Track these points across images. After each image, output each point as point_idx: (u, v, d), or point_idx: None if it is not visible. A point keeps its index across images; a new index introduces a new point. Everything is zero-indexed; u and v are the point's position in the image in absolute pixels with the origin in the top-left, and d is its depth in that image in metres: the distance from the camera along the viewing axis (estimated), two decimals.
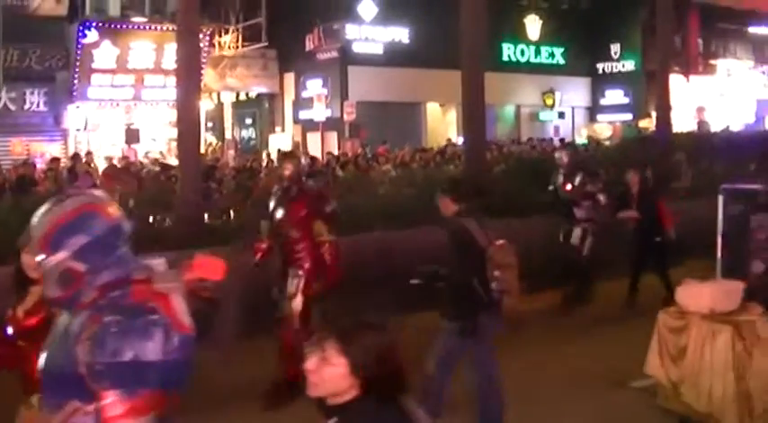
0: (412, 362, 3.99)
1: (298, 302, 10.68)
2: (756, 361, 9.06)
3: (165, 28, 33.97)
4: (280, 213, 11.16)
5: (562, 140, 36.55)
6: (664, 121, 24.74)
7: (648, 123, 41.14)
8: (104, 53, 34.30)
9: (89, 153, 29.98)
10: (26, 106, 34.11)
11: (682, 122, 39.89)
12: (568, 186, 16.01)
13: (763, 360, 9.07)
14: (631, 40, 48.19)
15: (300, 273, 10.80)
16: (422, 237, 15.75)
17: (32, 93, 34.23)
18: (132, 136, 34.46)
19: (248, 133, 46.15)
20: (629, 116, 47.67)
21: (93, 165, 27.27)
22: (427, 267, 9.47)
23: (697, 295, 9.66)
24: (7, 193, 20.72)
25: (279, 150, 31.83)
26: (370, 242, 15.48)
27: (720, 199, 10.38)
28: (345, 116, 37.32)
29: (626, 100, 48.65)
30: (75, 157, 28.38)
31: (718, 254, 10.35)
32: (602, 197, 15.77)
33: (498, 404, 9.04)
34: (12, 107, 33.53)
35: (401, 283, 13.88)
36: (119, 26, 34.77)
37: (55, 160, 27.47)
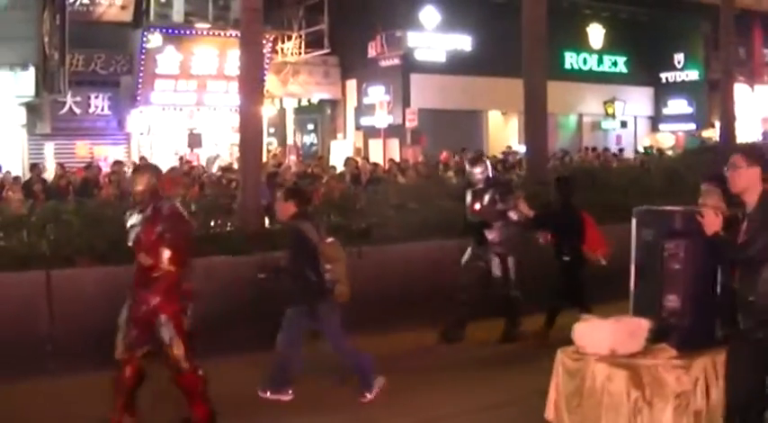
0: None
1: (178, 346, 9.48)
2: (656, 413, 8.11)
3: (228, 34, 34.18)
4: (133, 236, 9.84)
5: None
6: (727, 131, 24.53)
7: (712, 133, 40.77)
8: (168, 59, 34.56)
9: (142, 158, 30.17)
10: (91, 110, 34.44)
11: (746, 133, 39.55)
12: (477, 206, 14.25)
13: (663, 413, 8.10)
14: (695, 50, 47.79)
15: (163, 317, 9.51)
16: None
17: (97, 97, 34.57)
18: (195, 140, 34.65)
19: (310, 139, 46.30)
20: (692, 126, 47.28)
21: None
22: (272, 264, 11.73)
23: (596, 334, 8.66)
24: (71, 196, 20.95)
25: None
26: (424, 251, 15.49)
27: (633, 223, 9.20)
28: (407, 123, 37.33)
29: (689, 110, 48.22)
30: (142, 160, 28.60)
31: (631, 286, 9.12)
32: (513, 215, 14.06)
33: (358, 361, 11.06)
34: (77, 111, 33.86)
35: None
36: (182, 32, 35.02)
37: (118, 163, 27.73)
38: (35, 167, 26.95)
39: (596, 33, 46.96)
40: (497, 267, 14.10)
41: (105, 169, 28.09)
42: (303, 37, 38.46)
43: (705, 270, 8.49)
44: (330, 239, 11.34)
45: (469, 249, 14.29)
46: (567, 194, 14.46)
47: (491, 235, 14.05)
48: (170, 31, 34.56)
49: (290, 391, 11.01)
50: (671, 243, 8.62)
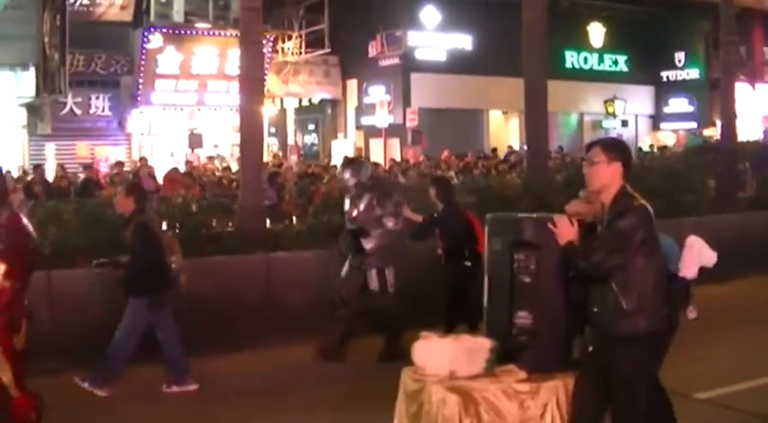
0: None
1: (3, 371, 8.15)
2: None
3: (228, 34, 34.19)
4: None
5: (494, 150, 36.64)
6: (728, 129, 24.45)
7: (713, 132, 40.74)
8: (168, 59, 34.57)
9: (142, 158, 30.17)
10: (91, 111, 34.49)
11: (747, 131, 39.53)
12: (354, 212, 12.79)
13: None
14: (696, 48, 47.77)
15: None
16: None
17: (97, 97, 34.62)
18: (195, 141, 34.65)
19: (311, 139, 46.35)
20: (693, 125, 47.27)
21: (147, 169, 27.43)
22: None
23: (435, 353, 7.89)
24: (72, 196, 20.96)
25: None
26: (426, 249, 15.47)
27: (486, 231, 8.29)
28: (408, 123, 37.35)
29: (690, 108, 48.21)
30: (142, 160, 28.64)
31: (485, 301, 8.20)
32: (390, 223, 12.65)
33: (181, 359, 11.31)
34: (77, 111, 33.89)
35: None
36: (183, 32, 35.05)
37: (119, 164, 27.75)
38: (37, 168, 27.00)
39: (597, 32, 46.96)
40: (374, 280, 12.69)
41: (105, 170, 28.14)
42: (303, 37, 38.50)
43: (559, 284, 7.68)
44: (169, 233, 12.07)
45: (348, 260, 12.89)
46: (448, 196, 13.42)
47: (368, 244, 12.64)
48: (170, 30, 34.58)
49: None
50: (521, 254, 7.90)
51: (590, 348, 7.13)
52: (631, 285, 6.75)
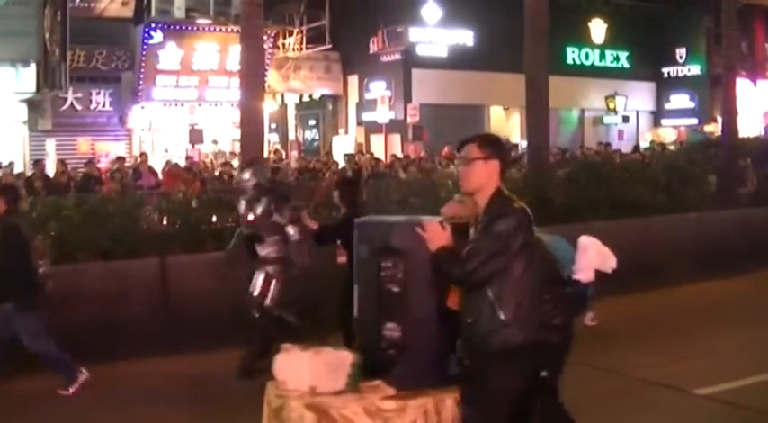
0: None
1: None
2: None
3: (229, 29, 34.17)
4: None
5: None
6: (729, 126, 24.44)
7: (714, 128, 40.75)
8: (169, 54, 34.56)
9: (143, 154, 30.16)
10: (92, 106, 34.48)
11: (748, 127, 39.52)
12: (250, 216, 11.87)
13: None
14: (697, 45, 47.70)
15: None
16: None
17: (98, 93, 34.60)
18: (196, 136, 34.63)
19: (311, 135, 46.33)
20: (694, 121, 47.21)
21: (147, 165, 27.44)
22: None
23: (295, 367, 7.31)
24: (72, 192, 20.96)
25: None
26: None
27: (355, 237, 7.64)
28: (408, 118, 37.32)
29: (691, 104, 48.14)
30: (143, 156, 28.64)
31: (355, 311, 7.63)
32: (292, 231, 11.69)
33: (59, 358, 11.01)
34: (78, 107, 33.89)
35: None
36: (183, 28, 35.02)
37: (120, 159, 27.77)
38: (37, 164, 27.02)
39: (598, 28, 46.90)
40: (257, 285, 11.76)
41: (105, 165, 28.16)
42: (304, 32, 38.47)
43: (430, 293, 7.00)
44: (39, 237, 11.54)
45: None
46: (352, 199, 12.00)
47: (264, 251, 11.81)
48: (171, 26, 34.55)
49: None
50: (388, 261, 7.25)
51: (465, 362, 6.53)
52: (509, 294, 6.16)
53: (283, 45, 38.48)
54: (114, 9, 34.26)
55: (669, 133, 47.38)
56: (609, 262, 8.31)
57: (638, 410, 10.07)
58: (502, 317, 6.11)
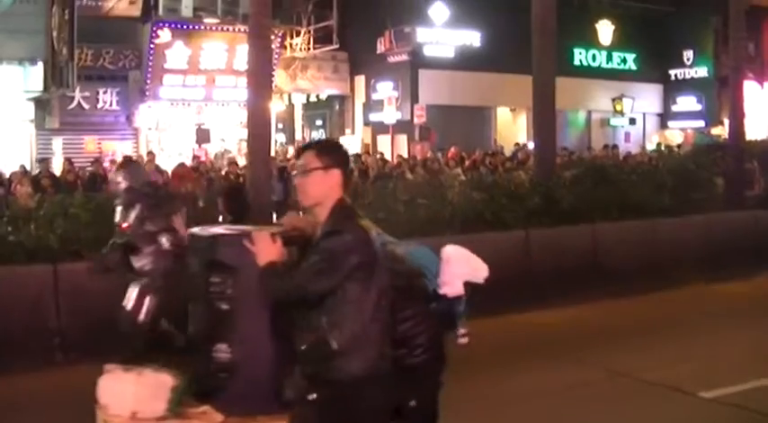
0: None
1: None
2: None
3: (236, 29, 34.15)
4: None
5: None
6: (736, 128, 24.40)
7: (721, 131, 40.67)
8: (176, 54, 34.56)
9: (150, 153, 30.15)
10: (99, 105, 34.47)
11: (756, 130, 39.45)
12: (125, 224, 10.86)
13: None
14: (704, 47, 47.61)
15: None
16: (489, 242, 15.76)
17: (105, 92, 34.60)
18: (203, 136, 34.64)
19: (318, 135, 46.31)
20: (701, 123, 47.10)
21: (155, 164, 27.44)
22: None
23: (118, 390, 6.83)
24: (79, 190, 20.98)
25: None
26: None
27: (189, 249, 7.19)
28: (415, 119, 37.30)
29: (698, 107, 48.05)
30: (150, 155, 28.66)
31: (189, 331, 7.25)
32: (164, 240, 10.56)
33: None
34: (85, 106, 33.89)
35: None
36: (191, 27, 35.02)
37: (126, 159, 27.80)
38: (43, 162, 27.08)
39: (605, 30, 46.84)
40: (131, 300, 10.62)
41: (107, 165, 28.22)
42: (312, 32, 38.48)
43: (263, 312, 6.42)
44: None
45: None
46: (237, 208, 11.17)
47: (139, 262, 10.72)
48: (179, 25, 34.56)
49: None
50: (217, 276, 6.71)
51: (301, 390, 5.83)
52: (342, 320, 5.52)
53: (291, 45, 38.49)
54: (122, 8, 34.26)
55: (676, 135, 47.32)
56: (479, 272, 7.37)
57: (643, 413, 10.06)
58: (333, 345, 5.50)
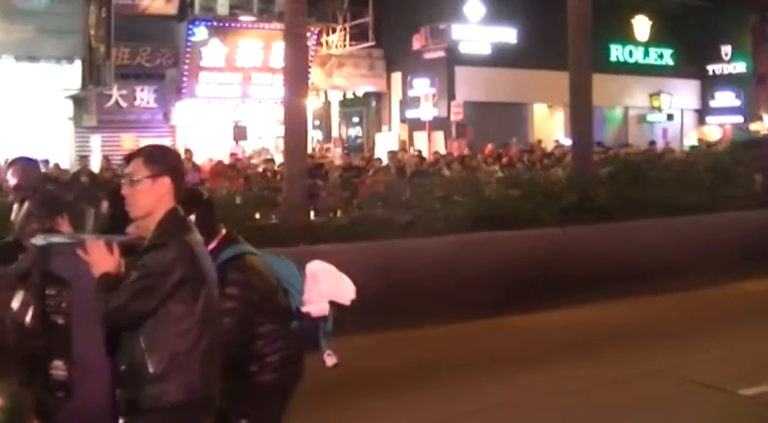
0: None
1: None
2: None
3: (272, 27, 34.21)
4: None
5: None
6: None
7: (760, 126, 40.47)
8: (213, 51, 34.67)
9: (187, 150, 30.22)
10: (136, 103, 34.64)
11: None
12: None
13: None
14: (742, 42, 47.30)
15: None
16: (525, 239, 15.76)
17: (142, 90, 34.75)
18: (240, 133, 34.73)
19: (355, 132, 46.33)
20: (739, 119, 46.81)
21: (192, 161, 27.49)
22: None
23: None
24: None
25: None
26: (474, 242, 15.45)
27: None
28: (452, 116, 37.26)
29: (737, 102, 47.78)
30: (187, 153, 28.75)
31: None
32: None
33: None
34: (122, 104, 34.07)
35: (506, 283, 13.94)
36: (227, 25, 35.12)
37: None
38: (82, 160, 27.23)
39: (642, 25, 46.67)
40: (18, 302, 8.17)
41: None
42: (348, 29, 38.51)
43: (99, 328, 5.68)
44: None
45: None
46: (118, 211, 10.17)
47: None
48: (215, 23, 34.67)
49: None
50: (52, 289, 6.07)
51: (120, 420, 5.47)
52: (161, 342, 5.18)
53: (327, 42, 38.54)
54: (158, 6, 34.40)
55: (714, 131, 47.06)
56: (345, 292, 6.94)
57: (680, 410, 10.01)
58: (150, 369, 5.16)
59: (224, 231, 6.32)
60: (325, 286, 6.74)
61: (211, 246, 6.03)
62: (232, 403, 6.02)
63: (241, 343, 6.04)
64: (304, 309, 6.58)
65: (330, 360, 6.77)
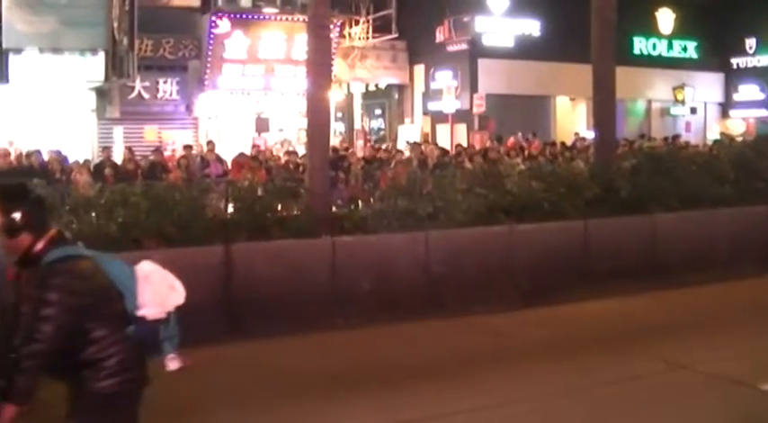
0: None
1: None
2: None
3: (295, 19, 34.21)
4: None
5: None
6: None
7: None
8: (235, 43, 34.69)
9: (210, 142, 30.25)
10: (159, 95, 34.69)
11: None
12: None
13: None
14: (767, 35, 47.12)
15: None
16: (547, 232, 15.75)
17: (165, 82, 34.80)
18: (262, 125, 34.79)
19: (377, 124, 46.32)
20: (763, 112, 46.65)
21: (215, 153, 27.54)
22: None
23: None
24: (139, 179, 21.12)
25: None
26: (496, 235, 15.47)
27: None
28: (475, 108, 37.24)
29: (761, 96, 47.54)
30: (210, 144, 28.79)
31: None
32: None
33: None
34: (145, 96, 34.13)
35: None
36: (250, 17, 35.13)
37: (187, 148, 27.97)
38: (105, 151, 27.35)
39: (666, 18, 46.51)
40: None
41: (169, 154, 28.48)
42: (371, 22, 38.44)
43: None
44: None
45: None
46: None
47: None
48: (238, 15, 34.68)
49: None
50: None
51: None
52: None
53: (349, 34, 38.49)
54: None
55: (738, 125, 46.87)
56: (172, 296, 6.60)
57: (701, 404, 9.99)
58: None
59: (53, 232, 5.99)
60: (160, 288, 6.42)
61: (38, 246, 5.81)
62: (72, 410, 5.92)
63: (72, 350, 5.78)
64: (139, 312, 6.22)
65: (173, 364, 6.56)
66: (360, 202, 20.05)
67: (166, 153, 29.05)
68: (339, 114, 40.81)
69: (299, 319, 12.97)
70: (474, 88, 38.75)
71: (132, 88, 33.40)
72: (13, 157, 25.21)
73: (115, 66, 30.59)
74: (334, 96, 33.14)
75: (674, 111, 46.74)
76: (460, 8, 39.23)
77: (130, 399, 6.11)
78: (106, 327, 5.94)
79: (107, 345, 5.90)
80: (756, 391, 10.30)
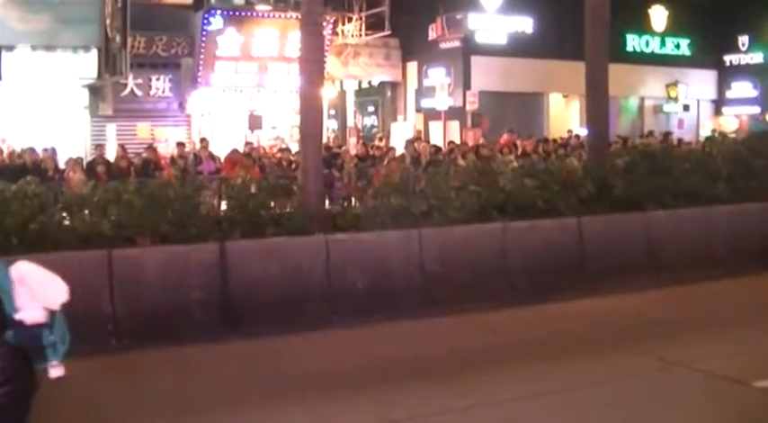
0: None
1: None
2: None
3: (288, 16, 34.19)
4: None
5: None
6: None
7: None
8: (228, 41, 34.64)
9: (203, 139, 30.23)
10: (152, 92, 34.66)
11: None
12: None
13: None
14: (760, 32, 47.08)
15: None
16: (541, 229, 15.76)
17: (158, 79, 34.76)
18: (255, 122, 34.78)
19: (370, 121, 46.27)
20: (756, 109, 46.66)
21: (208, 150, 27.54)
22: None
23: None
24: (132, 177, 21.11)
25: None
26: (490, 232, 15.48)
27: None
28: (467, 105, 37.23)
29: (754, 93, 47.56)
30: (203, 141, 28.78)
31: None
32: None
33: None
34: (138, 93, 34.09)
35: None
36: (243, 14, 35.10)
37: (180, 145, 27.97)
38: (98, 148, 27.32)
39: (659, 15, 46.51)
40: None
41: (162, 151, 28.46)
42: (364, 19, 38.42)
43: None
44: None
45: None
46: None
47: None
48: (231, 13, 34.64)
49: None
50: None
51: None
52: None
53: (343, 31, 38.46)
54: None
55: (731, 122, 46.93)
56: (56, 296, 6.28)
57: (695, 402, 9.99)
58: None
59: None
60: (39, 290, 6.10)
61: None
62: None
63: None
64: (17, 316, 5.91)
65: (54, 372, 6.17)
66: (353, 199, 20.06)
67: (160, 146, 28.98)
68: (332, 112, 40.77)
69: (293, 317, 12.98)
70: (467, 85, 38.73)
71: (125, 85, 33.36)
72: (5, 154, 25.20)
73: (108, 63, 30.59)
74: (327, 94, 33.11)
75: (666, 108, 46.75)
76: (453, 5, 39.20)
77: (16, 405, 5.77)
78: None
79: None
80: (751, 389, 10.29)
